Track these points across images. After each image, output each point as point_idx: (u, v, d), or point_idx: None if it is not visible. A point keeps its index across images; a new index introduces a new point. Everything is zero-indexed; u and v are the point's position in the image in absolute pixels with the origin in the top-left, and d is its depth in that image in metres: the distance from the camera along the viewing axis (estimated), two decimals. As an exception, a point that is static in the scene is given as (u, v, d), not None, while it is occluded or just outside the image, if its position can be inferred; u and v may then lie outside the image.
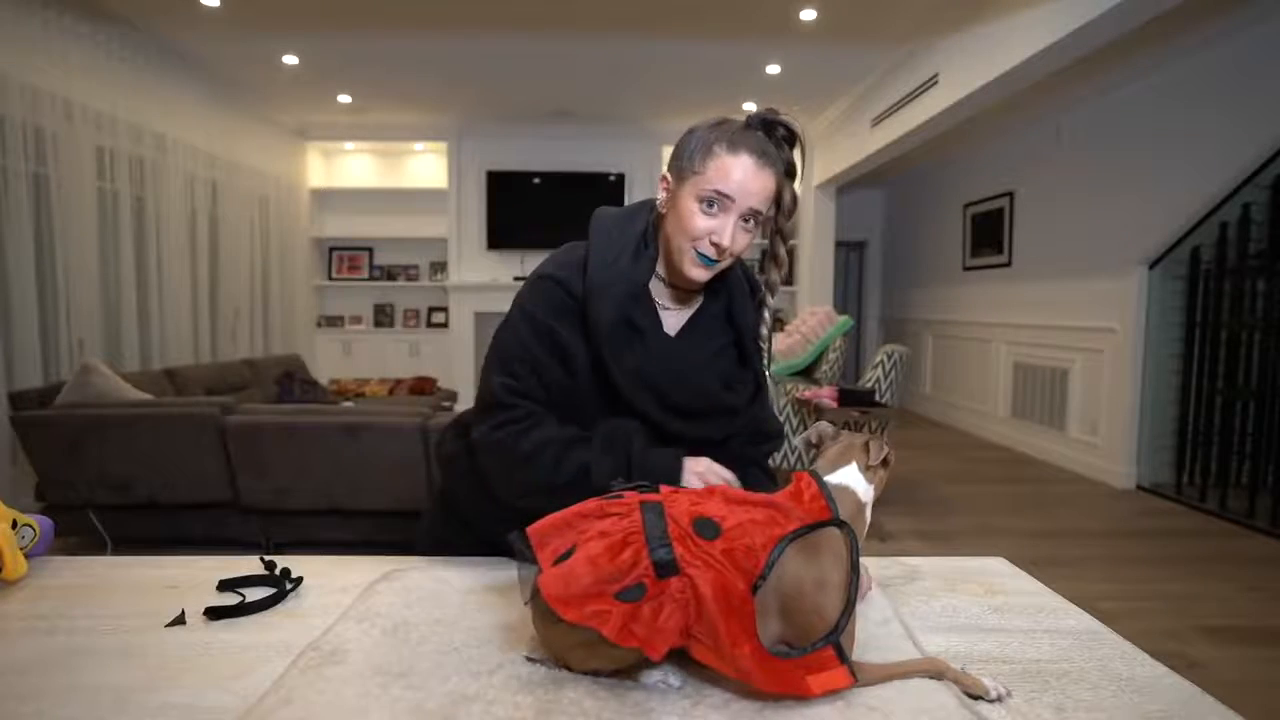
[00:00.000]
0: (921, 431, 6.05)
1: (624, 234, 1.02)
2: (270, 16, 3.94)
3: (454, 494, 1.16)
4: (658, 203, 1.02)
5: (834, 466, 0.83)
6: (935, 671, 0.72)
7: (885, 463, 0.84)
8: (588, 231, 1.04)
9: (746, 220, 0.95)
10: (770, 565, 0.70)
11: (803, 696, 0.68)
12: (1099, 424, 4.43)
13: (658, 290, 1.04)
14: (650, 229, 1.04)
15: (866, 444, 0.84)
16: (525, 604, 0.74)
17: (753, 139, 0.95)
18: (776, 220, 1.02)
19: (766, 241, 1.07)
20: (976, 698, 0.70)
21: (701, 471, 0.97)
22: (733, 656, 0.67)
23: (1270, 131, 3.35)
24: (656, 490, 0.79)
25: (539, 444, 0.96)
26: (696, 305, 1.07)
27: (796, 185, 1.02)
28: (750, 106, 5.57)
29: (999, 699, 0.70)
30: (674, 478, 0.95)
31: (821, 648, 0.70)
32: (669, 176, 1.00)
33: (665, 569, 0.69)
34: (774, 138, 0.97)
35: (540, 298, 1.01)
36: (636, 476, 0.90)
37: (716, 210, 0.94)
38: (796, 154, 1.00)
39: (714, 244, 0.95)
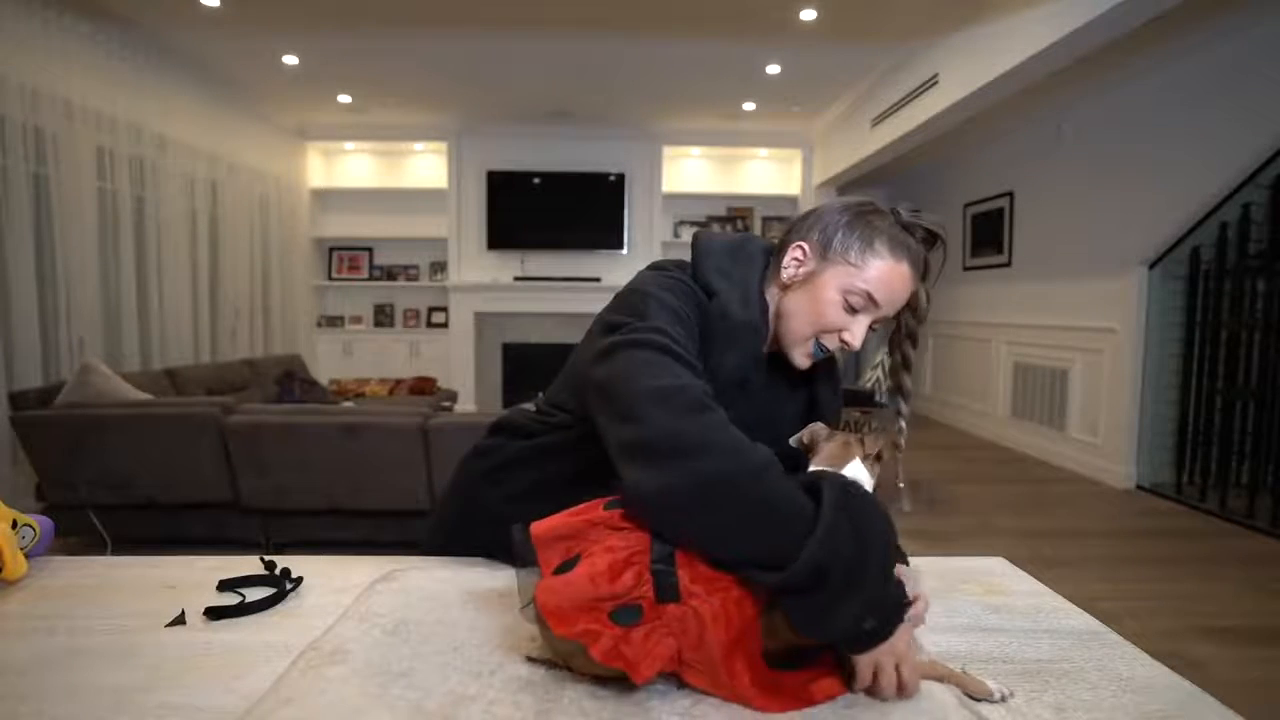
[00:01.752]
0: (921, 431, 6.04)
1: (743, 279, 0.93)
2: (270, 16, 3.94)
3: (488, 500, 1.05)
4: (786, 273, 0.93)
5: (839, 462, 0.82)
6: (935, 676, 0.72)
7: (880, 456, 0.84)
8: (695, 253, 0.95)
9: (876, 324, 0.91)
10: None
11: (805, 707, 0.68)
12: (1099, 424, 4.43)
13: None
14: (763, 280, 0.95)
15: (861, 438, 0.84)
16: (520, 610, 0.73)
17: (913, 245, 0.89)
18: (909, 325, 0.95)
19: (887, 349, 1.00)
20: (979, 699, 0.70)
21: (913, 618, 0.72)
22: (731, 687, 0.66)
23: (1270, 131, 3.35)
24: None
25: (731, 435, 0.72)
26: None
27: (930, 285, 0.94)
28: (750, 106, 5.58)
29: (1003, 699, 0.69)
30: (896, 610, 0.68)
31: (822, 655, 0.70)
32: (807, 250, 0.91)
33: (666, 594, 0.67)
34: (915, 237, 0.91)
35: (680, 293, 0.89)
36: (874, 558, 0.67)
37: (858, 309, 0.88)
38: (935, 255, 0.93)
39: (843, 341, 0.89)
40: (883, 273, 0.87)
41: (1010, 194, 5.42)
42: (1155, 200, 3.99)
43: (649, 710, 0.66)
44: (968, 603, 0.93)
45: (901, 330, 0.96)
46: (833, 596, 0.64)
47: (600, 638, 0.65)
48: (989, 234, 5.71)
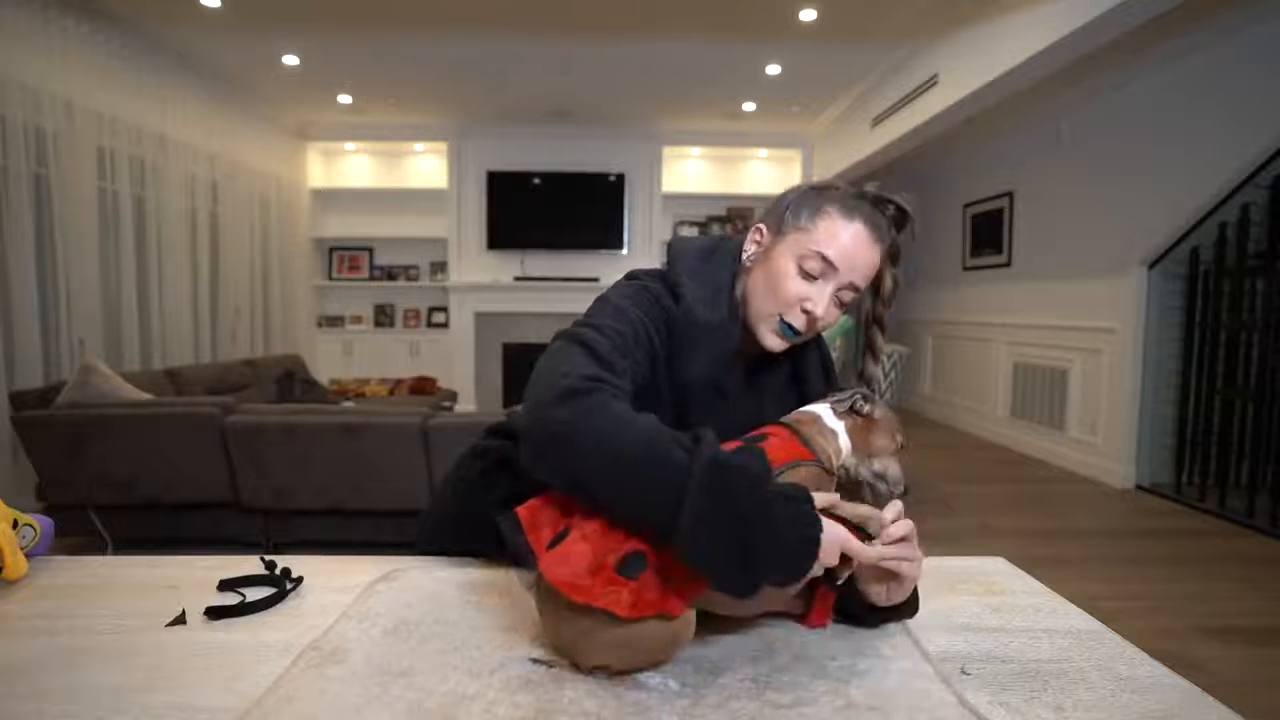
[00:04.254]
0: (921, 431, 6.04)
1: (714, 279, 0.92)
2: (270, 16, 3.94)
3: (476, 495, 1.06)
4: (746, 256, 0.93)
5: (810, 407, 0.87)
6: (827, 505, 0.73)
7: (854, 409, 0.85)
8: (669, 259, 0.95)
9: (842, 293, 0.88)
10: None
11: (813, 626, 0.77)
12: (1098, 424, 4.43)
13: None
14: (733, 278, 0.94)
15: (855, 402, 0.86)
16: (528, 589, 0.74)
17: (867, 209, 0.87)
18: (876, 309, 0.93)
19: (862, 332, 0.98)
20: (869, 537, 0.73)
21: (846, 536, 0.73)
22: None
23: (1270, 131, 3.35)
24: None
25: (622, 411, 0.74)
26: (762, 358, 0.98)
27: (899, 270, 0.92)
28: (750, 106, 5.58)
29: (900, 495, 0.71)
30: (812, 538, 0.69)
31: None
32: (764, 229, 0.92)
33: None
34: (884, 216, 0.89)
35: (642, 301, 0.90)
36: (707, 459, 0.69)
37: (815, 275, 0.87)
38: (905, 237, 0.91)
39: (805, 311, 0.87)
40: (833, 230, 0.85)
41: (1010, 194, 5.42)
42: (1155, 200, 3.99)
43: (649, 710, 0.66)
44: (968, 603, 0.94)
45: (869, 315, 0.94)
46: (720, 556, 0.65)
47: (619, 596, 0.66)
48: (989, 234, 5.72)
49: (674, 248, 0.97)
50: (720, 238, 0.99)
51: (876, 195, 0.90)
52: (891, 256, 0.90)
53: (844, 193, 0.89)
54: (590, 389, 0.73)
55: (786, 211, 0.90)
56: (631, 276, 0.95)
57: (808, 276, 0.87)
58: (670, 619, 0.68)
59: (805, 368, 1.00)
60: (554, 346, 0.82)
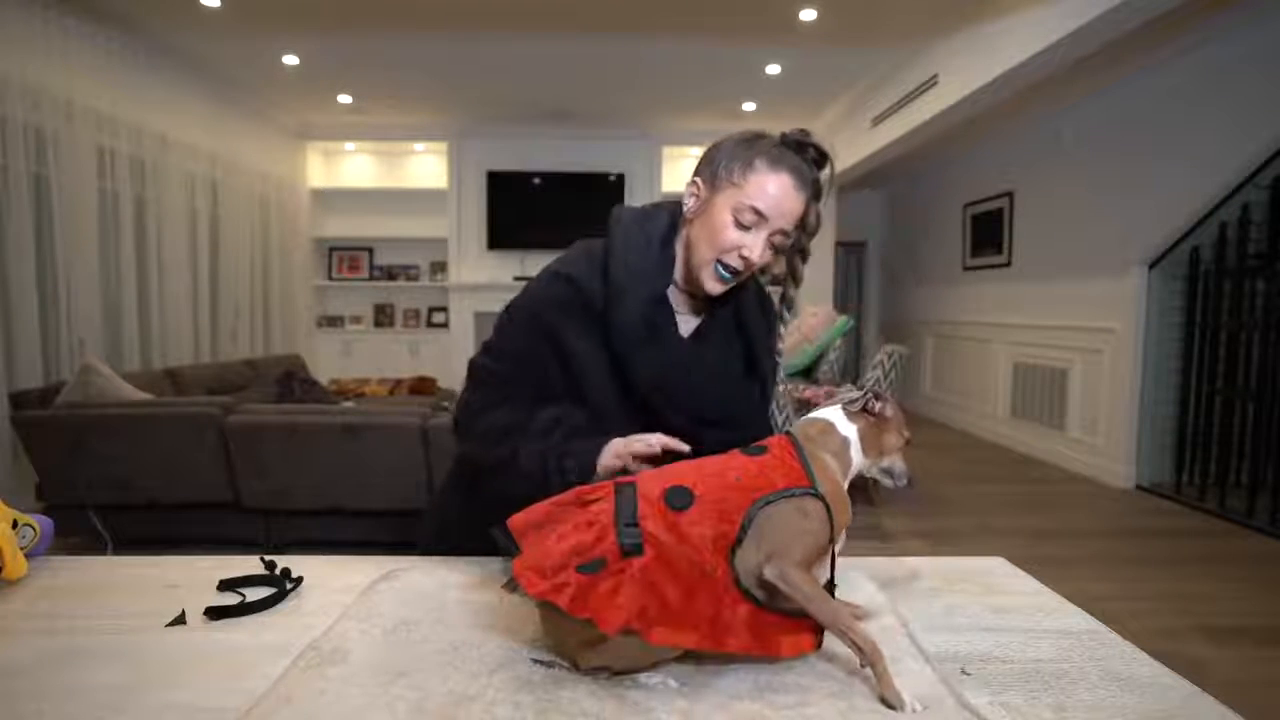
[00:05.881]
0: (921, 431, 6.04)
1: (645, 234, 1.01)
2: (270, 16, 3.94)
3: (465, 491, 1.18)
4: (685, 207, 1.01)
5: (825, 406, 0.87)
6: (870, 658, 0.69)
7: (867, 409, 0.85)
8: (606, 229, 1.03)
9: (774, 237, 0.96)
10: (745, 528, 0.72)
11: (774, 658, 0.72)
12: (1098, 424, 4.43)
13: (673, 295, 1.04)
14: (670, 231, 1.03)
15: (868, 401, 0.86)
16: (502, 588, 0.75)
17: (792, 158, 0.95)
18: (799, 239, 1.01)
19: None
20: (892, 707, 0.67)
21: (620, 451, 0.94)
22: (728, 621, 0.70)
23: (1270, 131, 3.35)
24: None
25: (491, 423, 1.01)
26: (706, 310, 1.07)
27: (820, 205, 1.01)
28: (750, 106, 5.58)
29: (913, 713, 0.66)
30: (588, 466, 0.94)
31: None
32: (700, 183, 0.99)
33: (630, 548, 0.70)
34: (805, 159, 0.97)
35: (550, 295, 1.01)
36: (552, 464, 0.95)
37: (749, 225, 0.94)
38: (824, 174, 1.00)
39: (742, 258, 0.95)
40: (763, 185, 0.93)
41: (1010, 194, 5.42)
42: (1155, 200, 3.99)
43: (649, 710, 0.66)
44: (968, 603, 0.94)
45: (794, 245, 1.02)
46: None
47: (566, 588, 0.68)
48: (989, 234, 5.72)
49: (612, 214, 1.06)
50: (661, 202, 1.07)
51: (799, 141, 0.97)
52: (815, 195, 0.98)
53: (768, 143, 0.96)
54: (475, 418, 1.03)
55: (720, 167, 0.97)
56: (552, 271, 1.04)
57: (742, 227, 0.95)
58: (594, 628, 0.67)
59: (744, 312, 1.08)
60: (469, 383, 1.06)
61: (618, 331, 0.97)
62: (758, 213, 0.93)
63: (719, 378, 1.03)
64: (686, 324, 1.05)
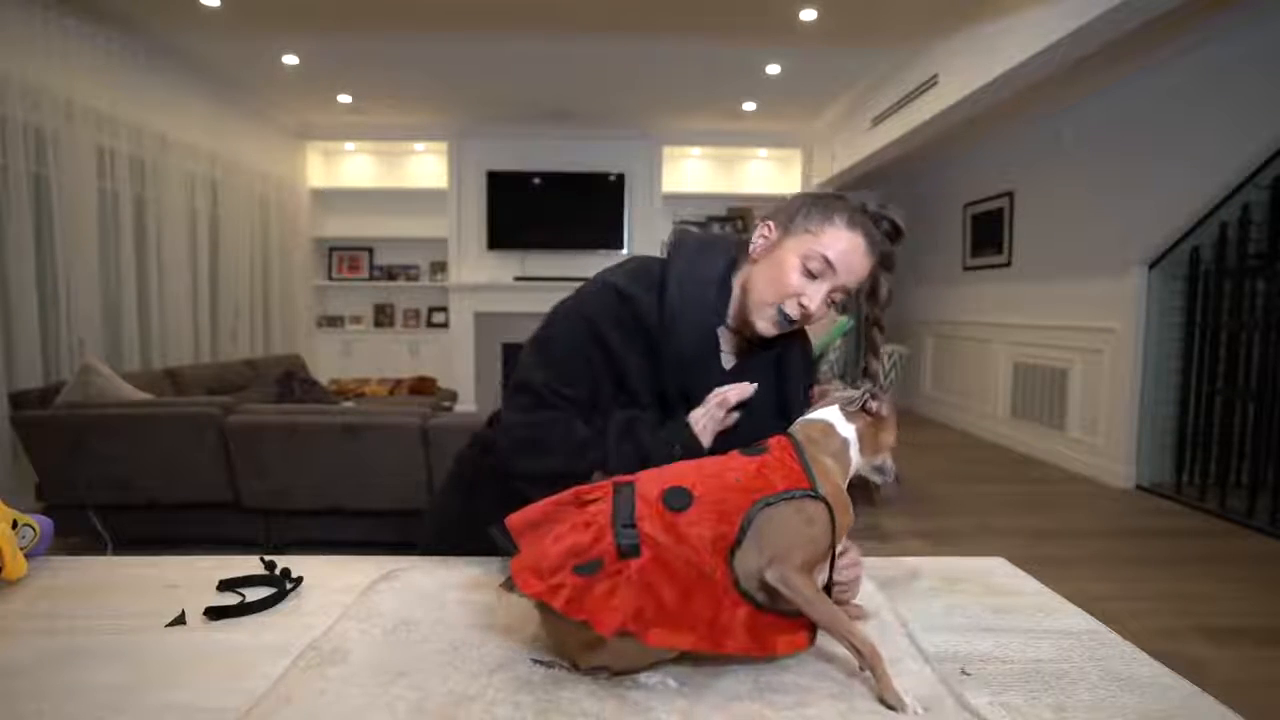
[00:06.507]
0: (921, 431, 6.04)
1: (708, 266, 1.03)
2: (270, 16, 3.94)
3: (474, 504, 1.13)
4: (752, 248, 1.02)
5: (815, 409, 0.88)
6: (869, 661, 0.69)
7: (866, 409, 0.85)
8: (666, 250, 1.04)
9: (835, 294, 0.97)
10: (744, 529, 0.72)
11: (770, 657, 0.72)
12: (1098, 424, 4.43)
13: (720, 332, 1.05)
14: (727, 269, 1.04)
15: (867, 399, 0.86)
16: (500, 587, 0.76)
17: (868, 224, 0.97)
18: (873, 312, 1.03)
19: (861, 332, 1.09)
20: (892, 708, 0.67)
21: (705, 413, 0.98)
22: (726, 623, 0.69)
23: (1270, 131, 3.35)
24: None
25: (568, 437, 0.99)
26: (747, 350, 1.08)
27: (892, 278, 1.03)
28: (750, 106, 5.58)
29: (913, 714, 0.66)
30: (693, 442, 0.97)
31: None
32: (772, 226, 1.01)
33: (628, 549, 0.70)
34: (880, 230, 0.99)
35: (604, 306, 1.00)
36: (660, 454, 0.93)
37: (815, 274, 0.96)
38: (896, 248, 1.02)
39: (801, 305, 0.96)
40: (838, 239, 0.95)
41: (1010, 194, 5.42)
42: (1155, 200, 3.98)
43: (649, 710, 0.66)
44: (968, 603, 0.94)
45: (870, 318, 1.05)
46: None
47: (562, 589, 0.68)
48: (989, 234, 5.71)
49: (675, 240, 1.08)
50: (724, 233, 1.07)
51: (876, 212, 0.99)
52: (885, 266, 1.00)
53: (849, 205, 0.99)
54: (532, 434, 0.99)
55: (798, 214, 0.99)
56: (598, 281, 1.03)
57: (809, 274, 0.96)
58: (590, 630, 0.67)
59: (787, 360, 1.08)
60: (507, 397, 1.04)
61: (674, 360, 0.99)
62: (827, 262, 0.95)
63: (751, 410, 1.02)
64: (727, 361, 1.07)
